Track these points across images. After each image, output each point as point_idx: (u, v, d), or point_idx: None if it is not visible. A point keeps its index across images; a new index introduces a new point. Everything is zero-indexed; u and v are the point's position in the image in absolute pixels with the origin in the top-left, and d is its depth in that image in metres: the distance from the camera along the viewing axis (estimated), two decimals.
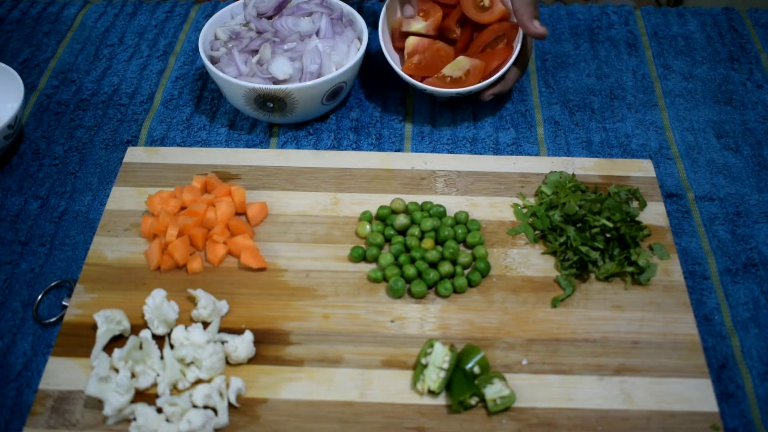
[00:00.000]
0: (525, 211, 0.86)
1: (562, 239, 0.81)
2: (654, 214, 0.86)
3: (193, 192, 0.85)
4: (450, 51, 0.98)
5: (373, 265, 0.81)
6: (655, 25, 1.15)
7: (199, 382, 0.71)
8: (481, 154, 0.95)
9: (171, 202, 0.84)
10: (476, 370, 0.71)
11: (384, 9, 0.99)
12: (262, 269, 0.80)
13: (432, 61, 0.95)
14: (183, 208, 0.84)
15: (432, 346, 0.72)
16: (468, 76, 0.94)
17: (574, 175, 0.88)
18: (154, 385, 0.71)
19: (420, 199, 0.87)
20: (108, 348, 0.73)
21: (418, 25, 0.97)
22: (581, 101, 1.02)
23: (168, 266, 0.80)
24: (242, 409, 0.70)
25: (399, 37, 0.99)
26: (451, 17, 0.98)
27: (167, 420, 0.68)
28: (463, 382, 0.70)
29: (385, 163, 0.91)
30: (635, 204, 0.87)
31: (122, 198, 0.87)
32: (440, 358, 0.71)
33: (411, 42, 0.97)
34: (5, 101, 0.96)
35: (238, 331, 0.75)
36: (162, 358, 0.72)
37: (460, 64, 0.94)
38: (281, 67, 0.92)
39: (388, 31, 1.00)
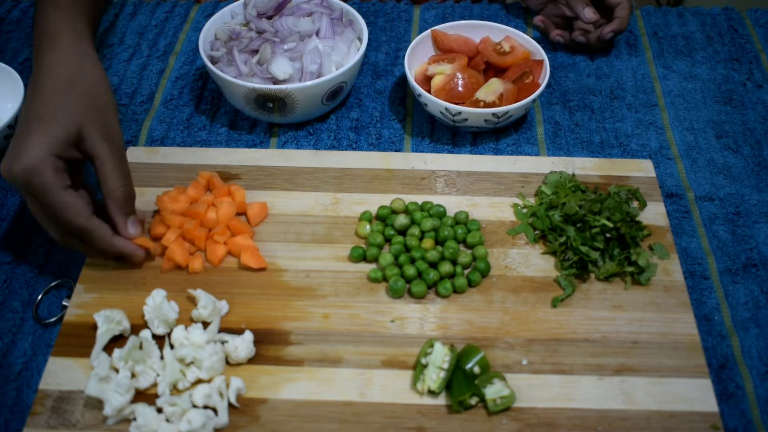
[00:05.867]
0: (525, 211, 0.86)
1: (562, 239, 0.81)
2: (654, 214, 0.86)
3: (197, 188, 0.85)
4: (480, 78, 0.98)
5: (373, 265, 0.81)
6: (655, 25, 1.15)
7: (199, 382, 0.71)
8: (481, 154, 0.95)
9: (181, 199, 0.84)
10: (476, 370, 0.71)
11: (408, 51, 0.98)
12: (262, 269, 0.80)
13: (464, 87, 0.95)
14: (192, 202, 0.85)
15: (432, 346, 0.72)
16: (501, 99, 0.93)
17: (574, 175, 0.88)
18: (154, 385, 0.71)
19: (420, 199, 0.87)
20: (108, 348, 0.73)
21: (443, 68, 0.97)
22: (581, 101, 1.02)
23: (168, 266, 0.80)
24: (242, 409, 0.70)
25: (423, 81, 0.98)
26: (475, 61, 1.01)
27: (167, 420, 0.68)
28: (463, 382, 0.70)
29: (385, 163, 0.91)
30: (635, 204, 0.87)
31: None
32: (440, 358, 0.71)
33: (438, 80, 0.96)
34: (5, 101, 0.96)
35: (238, 331, 0.75)
36: (162, 358, 0.72)
37: (494, 86, 0.94)
38: (281, 67, 0.92)
39: (412, 74, 0.98)
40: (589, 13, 1.04)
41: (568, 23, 1.10)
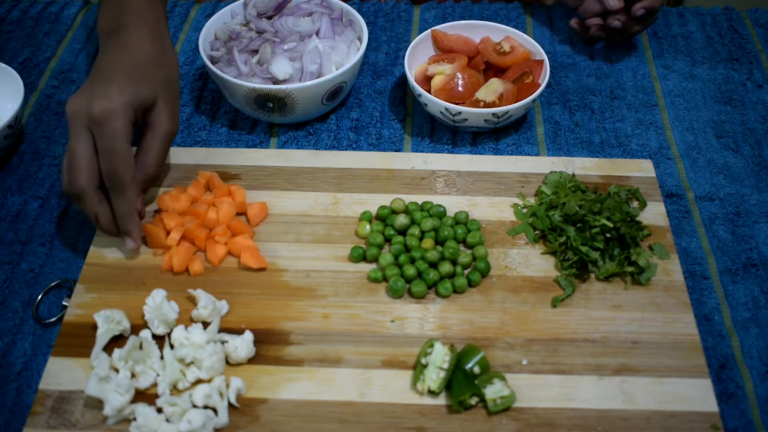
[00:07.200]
0: (525, 211, 0.86)
1: (562, 239, 0.81)
2: (654, 214, 0.86)
3: (197, 187, 0.85)
4: (480, 78, 0.98)
5: (373, 265, 0.81)
6: (655, 25, 1.15)
7: (199, 382, 0.71)
8: (481, 154, 0.95)
9: (182, 198, 0.84)
10: (476, 370, 0.71)
11: (408, 51, 0.98)
12: (262, 269, 0.81)
13: (464, 87, 0.95)
14: (193, 202, 0.85)
15: (432, 346, 0.72)
16: (501, 99, 0.93)
17: (574, 175, 0.88)
18: (154, 385, 0.71)
19: (420, 199, 0.87)
20: (108, 348, 0.73)
21: (443, 68, 0.97)
22: (581, 101, 1.03)
23: (168, 266, 0.80)
24: (242, 409, 0.70)
25: (423, 81, 0.98)
26: (475, 60, 1.00)
27: (167, 420, 0.68)
28: (463, 382, 0.70)
29: (385, 163, 0.91)
30: (635, 204, 0.87)
31: None
32: (440, 358, 0.71)
33: (438, 80, 0.97)
34: (5, 101, 0.96)
35: (238, 331, 0.75)
36: (162, 358, 0.72)
37: (494, 86, 0.94)
38: (281, 67, 0.92)
39: (412, 74, 0.98)
40: (613, 1, 1.02)
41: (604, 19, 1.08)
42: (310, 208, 0.86)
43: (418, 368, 0.71)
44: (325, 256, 0.82)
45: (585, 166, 0.91)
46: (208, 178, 0.87)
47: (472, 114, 0.91)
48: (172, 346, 0.73)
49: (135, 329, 0.75)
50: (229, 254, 0.82)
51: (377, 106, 1.02)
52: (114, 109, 0.75)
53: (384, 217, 0.85)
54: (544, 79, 0.95)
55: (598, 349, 0.74)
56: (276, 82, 0.92)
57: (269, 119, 0.97)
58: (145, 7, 0.86)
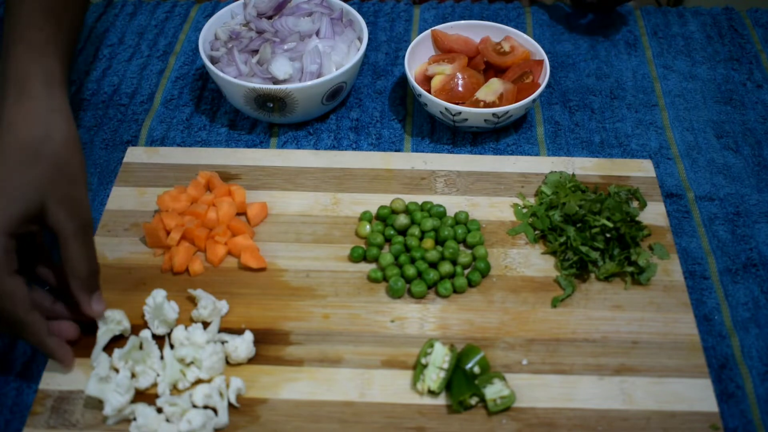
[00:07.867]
0: (525, 211, 0.86)
1: (562, 239, 0.81)
2: (654, 214, 0.86)
3: (197, 187, 0.85)
4: (480, 78, 0.98)
5: (373, 265, 0.81)
6: (655, 25, 1.15)
7: (199, 382, 0.71)
8: (481, 154, 0.95)
9: (182, 198, 0.84)
10: (476, 370, 0.71)
11: (408, 51, 0.98)
12: (262, 269, 0.81)
13: (464, 87, 0.95)
14: (193, 202, 0.85)
15: (432, 346, 0.72)
16: (501, 99, 0.93)
17: (574, 175, 0.88)
18: (154, 385, 0.71)
19: (420, 199, 0.87)
20: (108, 348, 0.73)
21: (443, 68, 0.97)
22: (581, 101, 1.03)
23: (168, 266, 0.80)
24: (242, 409, 0.70)
25: (423, 81, 0.98)
26: (475, 61, 1.00)
27: (167, 420, 0.68)
28: (463, 382, 0.70)
29: (385, 163, 0.91)
30: (635, 204, 0.87)
31: (122, 198, 0.87)
32: (440, 358, 0.71)
33: (438, 80, 0.97)
34: None
35: (238, 331, 0.75)
36: (162, 358, 0.72)
37: (494, 86, 0.94)
38: (281, 67, 0.92)
39: (412, 74, 0.98)
40: None
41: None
42: (310, 208, 0.86)
43: (418, 368, 0.71)
44: (325, 256, 0.82)
45: (585, 166, 0.91)
46: (208, 178, 0.87)
47: (472, 114, 0.91)
48: (172, 346, 0.73)
49: (135, 329, 0.75)
50: (229, 254, 0.82)
51: (377, 106, 1.02)
52: None
53: (384, 217, 0.85)
54: (544, 79, 0.95)
55: (598, 349, 0.74)
56: (276, 82, 0.92)
57: (269, 119, 0.97)
58: (30, 68, 0.69)
